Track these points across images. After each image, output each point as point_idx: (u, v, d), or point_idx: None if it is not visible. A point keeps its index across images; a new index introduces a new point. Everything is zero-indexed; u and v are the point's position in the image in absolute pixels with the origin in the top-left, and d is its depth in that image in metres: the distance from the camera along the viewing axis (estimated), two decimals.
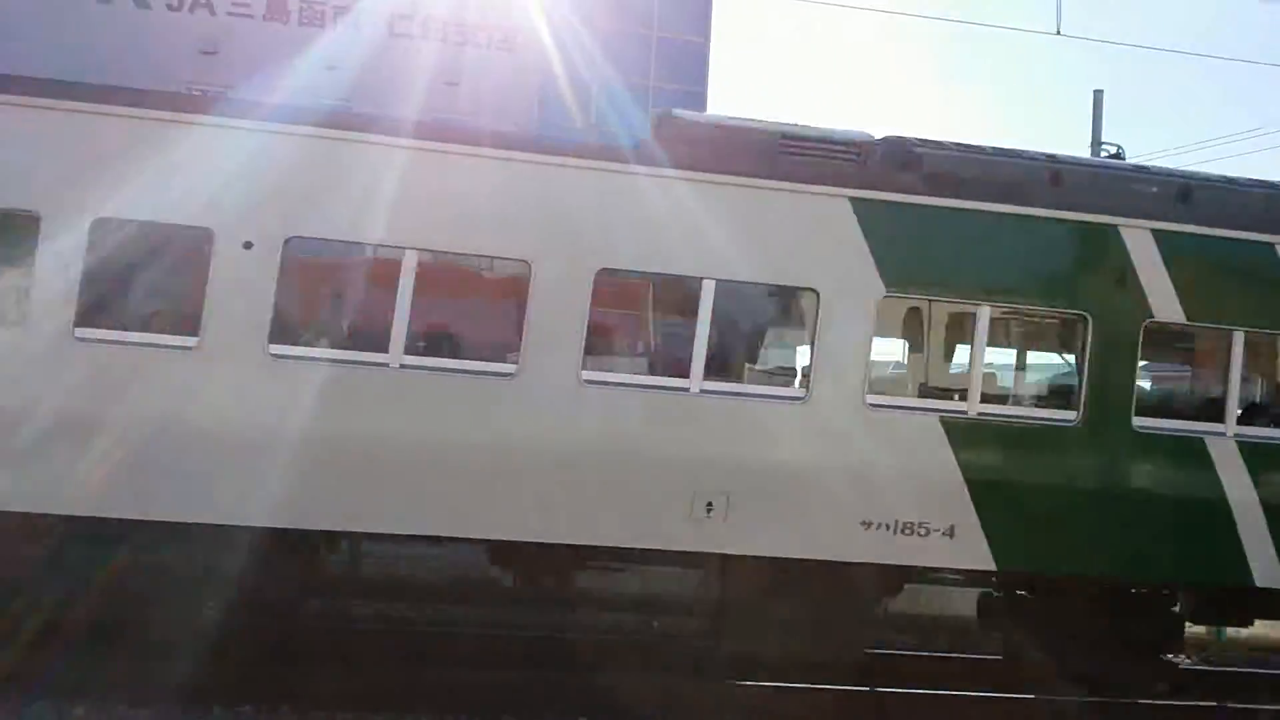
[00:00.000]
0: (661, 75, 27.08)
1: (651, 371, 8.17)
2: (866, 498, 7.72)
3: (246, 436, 7.11)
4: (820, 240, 7.78)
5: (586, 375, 7.47)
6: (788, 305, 8.45)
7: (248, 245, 7.11)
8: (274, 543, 7.35)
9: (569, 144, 7.91)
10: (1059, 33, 15.00)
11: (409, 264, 7.32)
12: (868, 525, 7.73)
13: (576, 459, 7.42)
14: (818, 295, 7.68)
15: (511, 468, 7.37)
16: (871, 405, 7.76)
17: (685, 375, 7.64)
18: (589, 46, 22.95)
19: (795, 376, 8.29)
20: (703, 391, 7.60)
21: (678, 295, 8.04)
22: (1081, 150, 18.09)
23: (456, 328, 7.95)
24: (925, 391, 8.32)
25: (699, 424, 7.61)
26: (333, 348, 7.49)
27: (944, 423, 7.81)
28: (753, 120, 8.36)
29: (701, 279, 7.63)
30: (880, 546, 7.77)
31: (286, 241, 7.18)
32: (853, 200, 7.76)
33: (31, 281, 6.96)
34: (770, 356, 8.72)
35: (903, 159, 8.24)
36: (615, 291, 7.90)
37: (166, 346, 7.17)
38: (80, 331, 7.00)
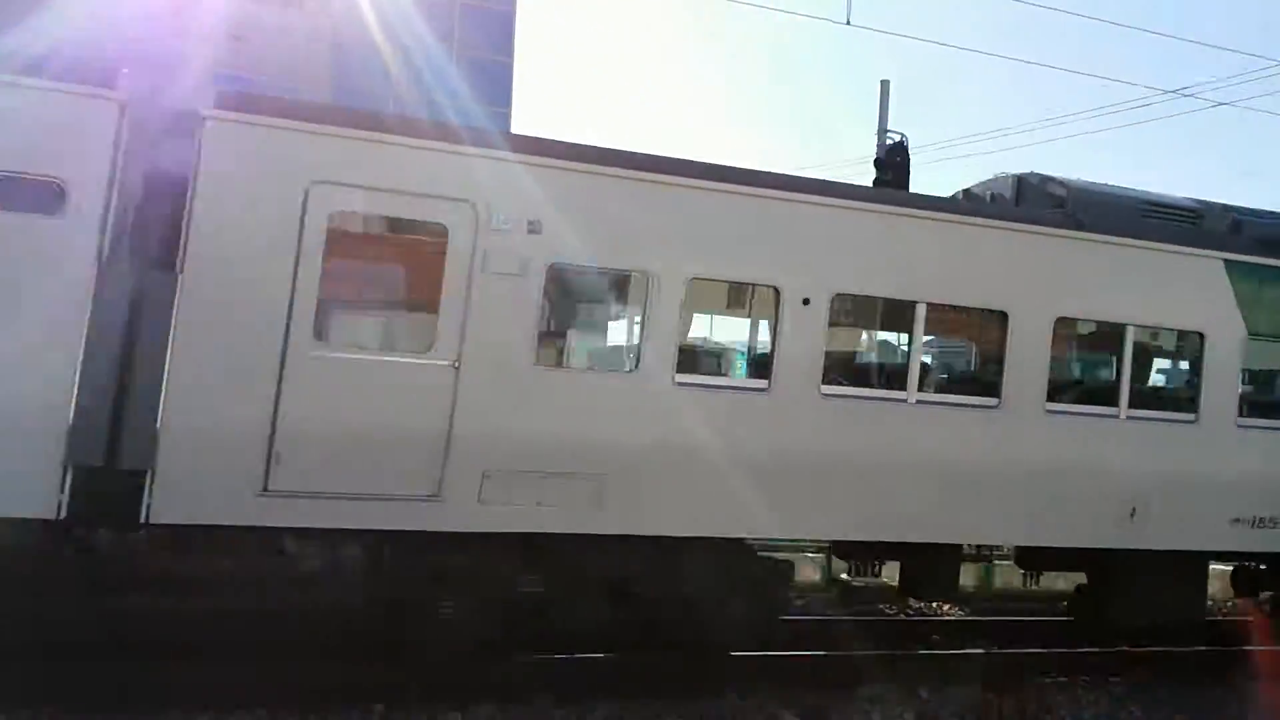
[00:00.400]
0: (466, 42, 26.61)
1: (1077, 400, 9.75)
2: (1236, 499, 9.68)
3: (806, 463, 8.34)
4: (1196, 291, 9.63)
5: (1049, 406, 9.08)
6: (1174, 345, 10.19)
7: (805, 301, 8.31)
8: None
9: (1027, 214, 9.39)
10: (849, 23, 15.85)
11: (920, 315, 8.71)
12: (1235, 521, 9.71)
13: (1044, 474, 9.02)
14: (1203, 337, 9.56)
15: (993, 483, 8.90)
16: (1241, 426, 9.71)
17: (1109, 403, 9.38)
18: (396, 7, 22.09)
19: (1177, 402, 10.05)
20: (1128, 417, 9.35)
21: (1104, 338, 9.70)
22: (868, 139, 20.48)
23: (949, 368, 9.33)
24: (1264, 412, 10.25)
25: (1127, 444, 9.35)
26: (859, 387, 8.76)
27: None
28: (1113, 186, 10.15)
29: (1126, 325, 9.36)
30: (1243, 537, 9.77)
31: (837, 299, 8.42)
32: (1225, 261, 9.66)
33: (646, 332, 7.94)
34: (1167, 387, 10.45)
35: (1231, 224, 10.24)
36: (1066, 336, 9.49)
37: (745, 389, 8.29)
38: (680, 377, 8.04)
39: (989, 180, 10.86)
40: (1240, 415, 9.75)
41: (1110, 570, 9.86)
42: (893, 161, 13.82)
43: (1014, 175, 10.49)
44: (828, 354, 8.49)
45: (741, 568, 8.61)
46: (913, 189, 10.78)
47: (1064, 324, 9.22)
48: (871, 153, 17.60)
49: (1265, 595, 11.39)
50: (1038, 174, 10.34)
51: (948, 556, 9.73)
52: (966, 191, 10.96)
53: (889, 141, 15.92)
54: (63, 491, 6.70)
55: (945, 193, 9.59)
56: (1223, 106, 32.37)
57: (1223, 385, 9.65)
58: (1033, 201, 10.05)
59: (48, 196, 6.65)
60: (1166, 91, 35.15)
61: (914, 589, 10.22)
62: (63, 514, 6.73)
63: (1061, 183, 10.04)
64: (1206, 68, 64.64)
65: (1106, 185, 10.26)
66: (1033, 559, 10.82)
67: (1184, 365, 9.92)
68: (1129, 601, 9.84)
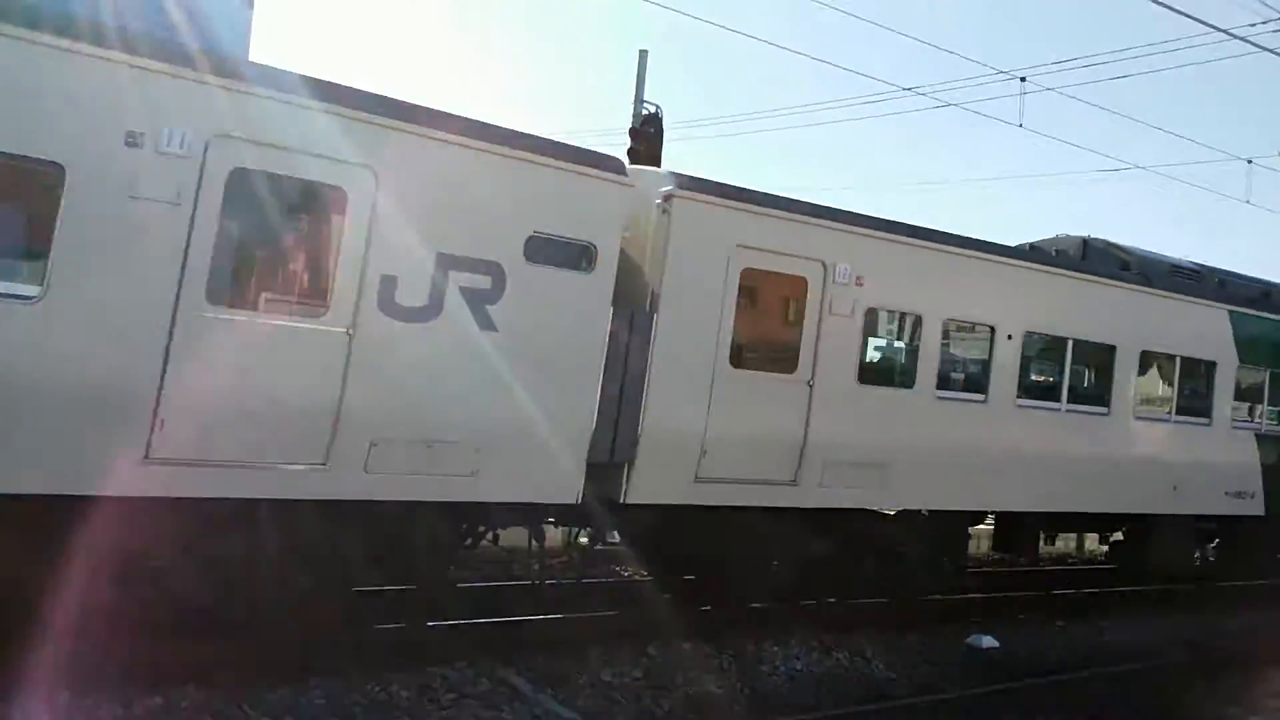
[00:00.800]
0: None
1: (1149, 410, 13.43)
2: (1227, 479, 13.80)
3: (1004, 454, 11.54)
4: (1211, 331, 13.61)
5: (1137, 412, 12.75)
6: (1199, 370, 14.00)
7: (1009, 336, 11.49)
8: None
9: (1125, 276, 12.93)
10: None
11: (1069, 347, 12.11)
12: (1226, 494, 13.83)
13: (1131, 461, 12.68)
14: (1215, 365, 13.57)
15: (1103, 467, 12.44)
16: (1235, 427, 13.82)
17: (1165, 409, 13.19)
18: None
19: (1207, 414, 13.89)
20: (1175, 421, 13.21)
21: (1163, 366, 13.40)
22: (624, 109, 20.24)
23: (1082, 386, 12.70)
24: (1239, 418, 14.35)
25: (1174, 440, 13.19)
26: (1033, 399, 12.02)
27: (1256, 436, 14.11)
28: (1149, 251, 13.99)
29: (1176, 355, 13.19)
30: (1230, 505, 13.91)
31: (1026, 335, 11.66)
32: (1229, 311, 13.71)
33: (920, 357, 10.85)
34: (1193, 400, 14.21)
35: (1218, 282, 14.36)
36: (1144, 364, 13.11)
37: (974, 401, 11.37)
38: (938, 392, 11.01)
39: (1054, 238, 14.45)
40: (1234, 419, 13.86)
41: (1146, 529, 13.70)
42: (645, 133, 15.62)
43: (1080, 237, 14.12)
44: (1020, 375, 11.70)
45: (952, 532, 11.74)
46: (664, 164, 12.94)
47: (1144, 355, 12.88)
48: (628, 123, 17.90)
49: (1210, 545, 15.73)
50: (1100, 239, 14.01)
51: (1034, 523, 13.21)
52: (1033, 245, 14.46)
53: (644, 112, 17.17)
54: (581, 482, 8.83)
55: (697, 170, 10.11)
56: (950, 107, 35.83)
57: (1225, 399, 13.72)
58: (1098, 261, 13.64)
59: (587, 257, 8.72)
60: (901, 88, 35.57)
61: (1009, 547, 13.68)
62: (578, 500, 8.87)
63: (1122, 248, 13.76)
64: (939, 69, 73.11)
65: (1146, 250, 14.07)
66: (1070, 522, 14.49)
67: (1202, 385, 13.84)
68: (1165, 551, 13.74)
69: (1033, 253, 13.43)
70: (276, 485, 7.49)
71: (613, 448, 9.02)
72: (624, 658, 9.09)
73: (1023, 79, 18.23)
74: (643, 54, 19.25)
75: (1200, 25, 12.87)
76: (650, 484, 9.27)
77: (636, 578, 11.37)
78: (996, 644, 10.92)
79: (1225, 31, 16.56)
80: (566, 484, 8.77)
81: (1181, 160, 75.12)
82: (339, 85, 7.76)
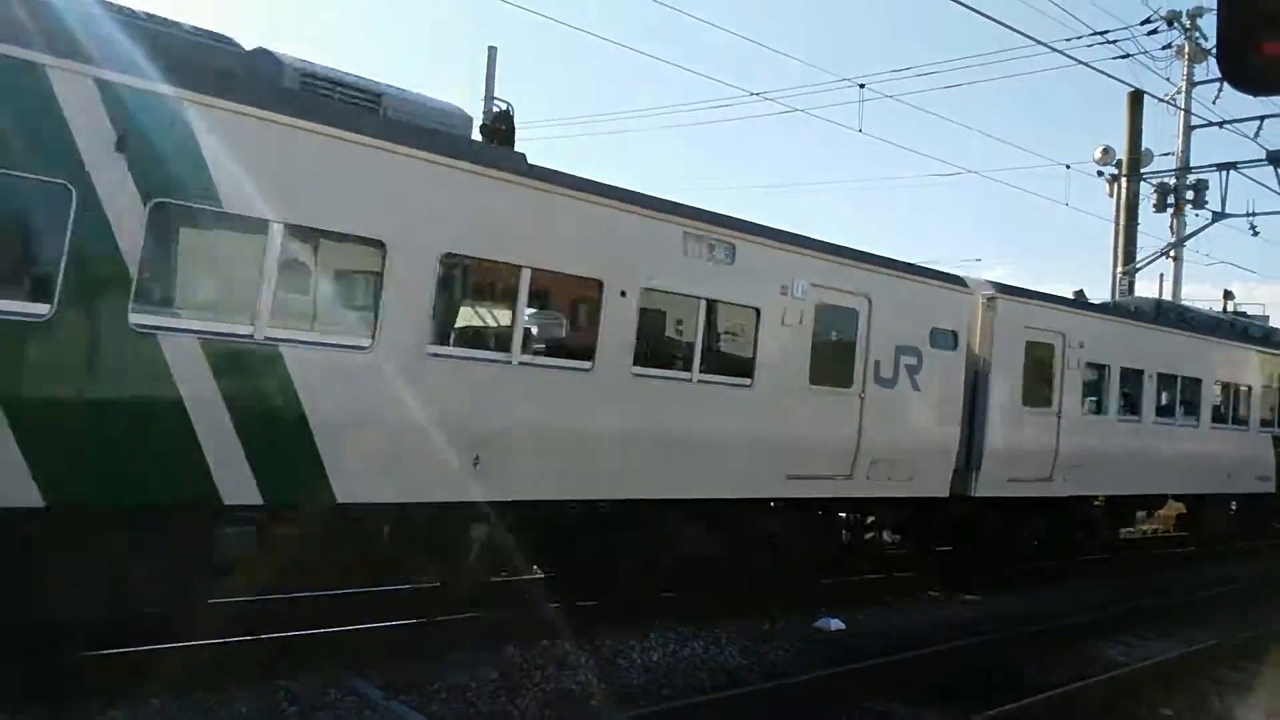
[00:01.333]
0: None
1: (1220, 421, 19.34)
2: (1260, 467, 19.88)
3: (1144, 454, 17.20)
4: (1247, 364, 19.70)
5: (1213, 424, 18.65)
6: (1243, 392, 20.00)
7: (1150, 376, 17.15)
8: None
9: (1194, 328, 18.81)
10: None
11: (1179, 383, 17.91)
12: (1255, 478, 19.94)
13: (1202, 456, 18.55)
14: (1250, 388, 19.68)
15: (1189, 461, 18.26)
16: (1259, 430, 19.93)
17: (1221, 421, 19.18)
18: None
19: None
20: (1234, 429, 19.19)
21: (1227, 391, 19.33)
22: (476, 105, 19.14)
23: (1187, 408, 18.49)
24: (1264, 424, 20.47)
25: (1227, 442, 19.14)
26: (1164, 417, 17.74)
27: (1272, 436, 20.29)
28: (1199, 309, 20.04)
29: (1229, 382, 19.18)
30: (1257, 485, 19.99)
31: (1159, 374, 17.36)
32: (1257, 351, 19.85)
33: (1107, 393, 16.40)
34: (1235, 412, 20.12)
35: (1242, 329, 20.55)
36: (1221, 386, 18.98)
37: (1131, 420, 16.98)
38: (1119, 416, 16.59)
39: (1132, 298, 20.37)
40: (1260, 427, 19.97)
41: (1203, 505, 19.68)
42: (497, 129, 14.61)
43: (1153, 299, 20.10)
44: (1155, 401, 17.41)
45: (1119, 510, 17.41)
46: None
47: (1217, 384, 18.80)
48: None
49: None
50: (1169, 300, 19.99)
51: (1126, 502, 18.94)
52: (1116, 303, 20.29)
53: (495, 109, 16.41)
54: (949, 482, 13.98)
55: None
56: (795, 112, 39.31)
57: (1256, 411, 19.85)
58: (1168, 316, 19.49)
59: (955, 340, 13.87)
60: (750, 93, 39.75)
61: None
62: (946, 493, 14.02)
63: (1183, 307, 19.78)
64: (786, 76, 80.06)
65: (1200, 309, 20.12)
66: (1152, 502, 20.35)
67: (1244, 402, 19.85)
68: (1220, 522, 19.75)
69: (1167, 315, 19.12)
70: (832, 489, 12.44)
71: (967, 459, 14.21)
72: (484, 659, 9.05)
73: (861, 85, 20.58)
74: (492, 50, 19.04)
75: (1023, 38, 17.35)
76: (989, 482, 14.46)
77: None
78: (843, 626, 11.82)
79: (1045, 44, 20.12)
80: (944, 483, 13.91)
81: (1009, 165, 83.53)
82: (845, 247, 12.73)
